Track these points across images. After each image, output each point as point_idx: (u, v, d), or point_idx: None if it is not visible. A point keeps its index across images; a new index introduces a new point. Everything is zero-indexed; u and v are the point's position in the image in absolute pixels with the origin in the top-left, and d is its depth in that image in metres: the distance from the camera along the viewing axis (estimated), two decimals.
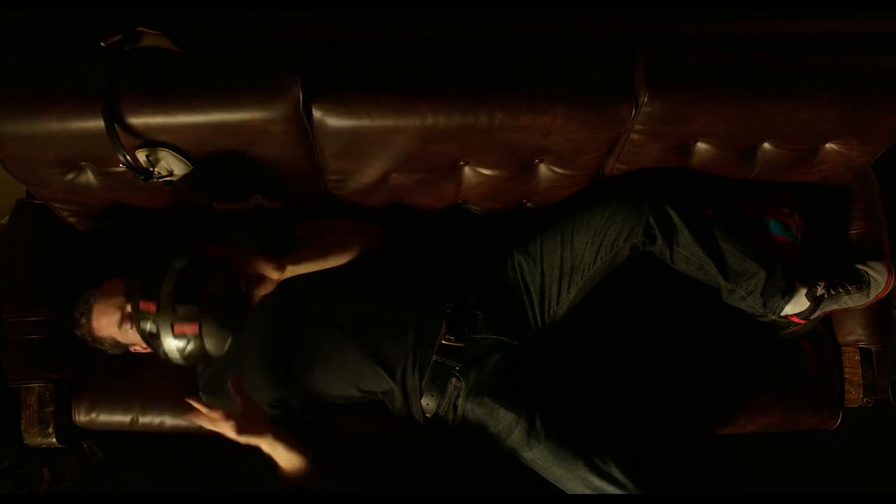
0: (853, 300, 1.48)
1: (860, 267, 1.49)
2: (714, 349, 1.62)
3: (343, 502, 1.51)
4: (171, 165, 1.31)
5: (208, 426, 1.23)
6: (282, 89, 1.24)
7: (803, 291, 1.49)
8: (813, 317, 1.51)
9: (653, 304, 1.64)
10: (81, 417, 1.58)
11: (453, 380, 1.42)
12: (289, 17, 1.45)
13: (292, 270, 1.36)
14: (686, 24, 1.44)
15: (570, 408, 1.45)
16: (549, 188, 1.49)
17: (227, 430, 1.23)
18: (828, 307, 1.49)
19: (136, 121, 1.24)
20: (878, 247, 1.62)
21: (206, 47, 1.31)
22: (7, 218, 1.62)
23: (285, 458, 1.32)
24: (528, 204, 1.57)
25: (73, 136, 1.25)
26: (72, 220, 1.53)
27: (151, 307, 1.20)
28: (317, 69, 1.27)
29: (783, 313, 1.51)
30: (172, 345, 1.21)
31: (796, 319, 1.52)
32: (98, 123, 1.21)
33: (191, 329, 1.20)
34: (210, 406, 1.23)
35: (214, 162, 1.35)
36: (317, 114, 1.27)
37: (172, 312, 1.19)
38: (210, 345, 1.22)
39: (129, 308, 1.37)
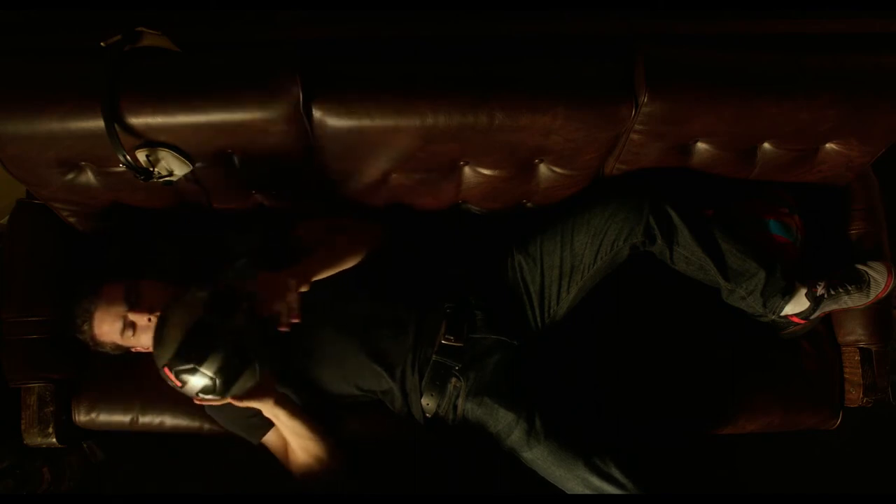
0: (853, 300, 1.48)
1: (860, 267, 1.49)
2: (714, 349, 1.62)
3: (343, 502, 1.51)
4: (171, 165, 1.31)
5: None
6: (282, 89, 1.24)
7: (803, 291, 1.49)
8: (813, 317, 1.51)
9: (653, 304, 1.64)
10: (81, 417, 1.57)
11: (453, 380, 1.42)
12: (289, 17, 1.45)
13: (315, 279, 1.33)
14: (686, 24, 1.44)
15: (569, 408, 1.45)
16: (549, 188, 1.49)
17: None
18: (828, 307, 1.49)
19: (136, 121, 1.24)
20: (878, 247, 1.62)
21: (206, 47, 1.31)
22: (7, 218, 1.62)
23: (288, 426, 1.33)
24: (528, 204, 1.57)
25: (73, 136, 1.25)
26: (72, 220, 1.53)
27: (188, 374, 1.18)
28: (317, 69, 1.27)
29: (783, 313, 1.51)
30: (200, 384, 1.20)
31: (796, 319, 1.52)
32: (98, 123, 1.21)
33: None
34: None
35: (214, 162, 1.35)
36: (317, 114, 1.27)
37: (214, 383, 1.17)
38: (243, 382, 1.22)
39: (130, 317, 1.38)
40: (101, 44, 1.26)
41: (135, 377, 1.56)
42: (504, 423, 1.38)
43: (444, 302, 1.47)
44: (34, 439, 1.55)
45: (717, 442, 1.67)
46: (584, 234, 1.44)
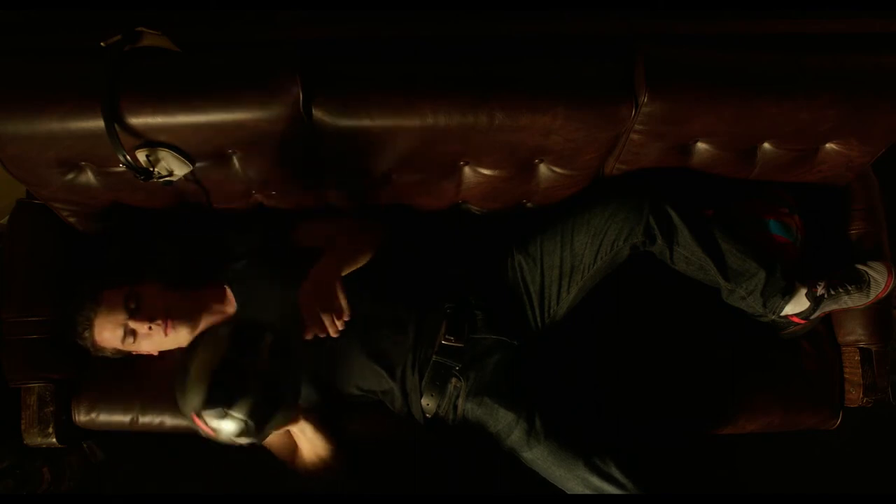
0: (853, 300, 1.48)
1: (860, 267, 1.49)
2: (714, 349, 1.62)
3: (343, 502, 1.51)
4: (171, 165, 1.31)
5: None
6: (282, 89, 1.24)
7: (803, 291, 1.49)
8: (813, 317, 1.51)
9: (653, 304, 1.64)
10: (81, 417, 1.57)
11: (453, 380, 1.42)
12: (289, 17, 1.45)
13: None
14: (686, 24, 1.44)
15: (569, 408, 1.45)
16: (549, 188, 1.49)
17: None
18: (828, 307, 1.49)
19: (136, 121, 1.24)
20: (878, 247, 1.62)
21: (206, 47, 1.31)
22: (7, 218, 1.62)
23: (308, 437, 1.33)
24: (528, 204, 1.57)
25: (73, 136, 1.25)
26: (72, 220, 1.53)
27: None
28: (317, 69, 1.27)
29: (783, 313, 1.51)
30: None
31: (796, 319, 1.52)
32: (98, 123, 1.21)
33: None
34: None
35: (214, 162, 1.35)
36: (317, 114, 1.27)
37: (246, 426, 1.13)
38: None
39: (130, 325, 1.38)
40: (101, 44, 1.26)
41: (135, 377, 1.56)
42: (504, 423, 1.38)
43: (445, 302, 1.47)
44: (34, 439, 1.54)
45: (717, 442, 1.67)
46: (584, 234, 1.44)
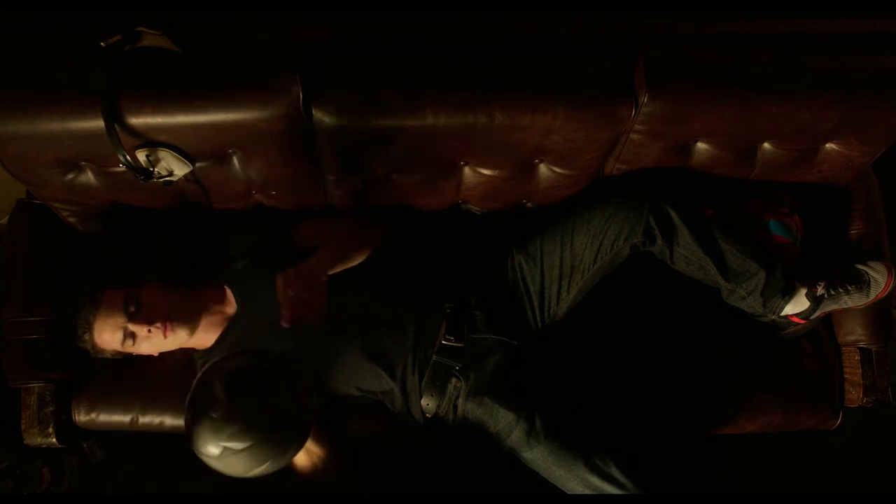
0: (853, 300, 1.48)
1: (860, 267, 1.49)
2: (714, 349, 1.62)
3: (343, 502, 1.51)
4: (171, 165, 1.31)
5: None
6: (282, 89, 1.24)
7: (803, 291, 1.49)
8: (813, 317, 1.51)
9: (653, 304, 1.64)
10: (81, 417, 1.57)
11: (453, 380, 1.42)
12: (289, 17, 1.45)
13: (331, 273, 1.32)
14: (686, 24, 1.44)
15: (569, 408, 1.45)
16: (549, 188, 1.49)
17: None
18: (828, 307, 1.49)
19: (136, 121, 1.24)
20: (878, 247, 1.62)
21: (206, 47, 1.31)
22: (7, 218, 1.62)
23: (307, 450, 1.33)
24: (528, 204, 1.57)
25: (73, 136, 1.25)
26: (72, 220, 1.53)
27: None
28: (317, 69, 1.27)
29: (783, 313, 1.51)
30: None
31: (796, 319, 1.52)
32: (98, 123, 1.21)
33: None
34: None
35: (214, 162, 1.35)
36: (317, 114, 1.27)
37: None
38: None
39: (130, 327, 1.38)
40: (101, 44, 1.26)
41: (135, 377, 1.57)
42: (504, 423, 1.38)
43: (444, 302, 1.47)
44: (34, 439, 1.55)
45: (717, 442, 1.67)
46: (584, 234, 1.44)
